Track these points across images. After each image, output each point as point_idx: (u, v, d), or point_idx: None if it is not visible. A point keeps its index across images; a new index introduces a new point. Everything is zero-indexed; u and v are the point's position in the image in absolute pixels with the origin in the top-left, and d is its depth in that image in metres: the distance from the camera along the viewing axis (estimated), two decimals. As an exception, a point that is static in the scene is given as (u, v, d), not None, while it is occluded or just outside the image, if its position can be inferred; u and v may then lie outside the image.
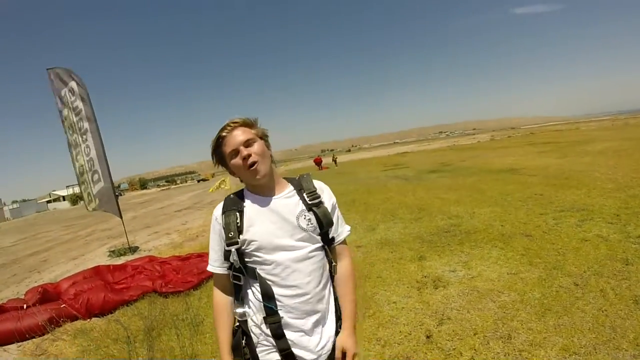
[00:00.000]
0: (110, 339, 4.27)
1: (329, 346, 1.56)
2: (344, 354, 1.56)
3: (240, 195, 1.62)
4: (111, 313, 5.09)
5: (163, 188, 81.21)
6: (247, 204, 1.58)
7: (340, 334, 1.59)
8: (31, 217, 52.98)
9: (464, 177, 13.28)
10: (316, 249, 1.56)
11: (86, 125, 8.95)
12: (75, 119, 9.15)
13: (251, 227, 1.52)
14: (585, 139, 26.47)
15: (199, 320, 4.32)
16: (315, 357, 1.51)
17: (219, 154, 1.58)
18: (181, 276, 5.80)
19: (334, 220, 1.63)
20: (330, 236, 1.62)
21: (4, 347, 4.70)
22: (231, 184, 18.89)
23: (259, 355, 1.54)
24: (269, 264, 1.50)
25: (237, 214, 1.54)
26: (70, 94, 9.23)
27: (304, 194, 1.59)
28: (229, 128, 1.53)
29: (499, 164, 15.84)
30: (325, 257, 1.60)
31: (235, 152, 1.51)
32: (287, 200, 1.58)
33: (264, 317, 1.51)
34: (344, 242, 1.72)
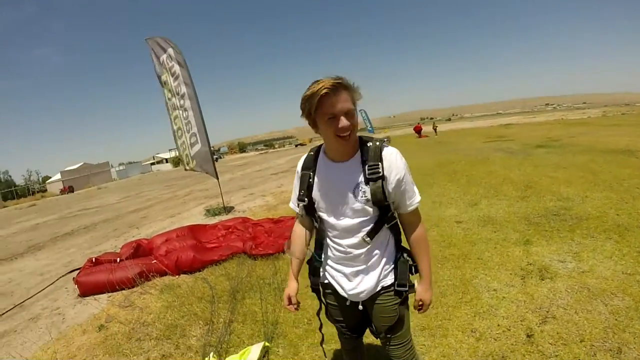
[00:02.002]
0: (195, 297, 4.34)
1: (366, 294, 1.77)
2: (421, 305, 1.83)
3: (317, 154, 1.80)
4: (200, 271, 5.19)
5: (261, 152, 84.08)
6: (320, 166, 1.76)
7: (418, 288, 1.81)
8: (135, 177, 57.40)
9: (573, 155, 12.00)
10: (368, 220, 1.68)
11: (184, 89, 9.25)
12: (173, 84, 9.50)
13: (317, 189, 1.76)
14: None
15: (285, 286, 4.23)
16: (346, 295, 1.82)
17: (314, 107, 1.55)
18: (272, 239, 5.78)
19: (393, 194, 1.66)
20: (397, 207, 1.72)
21: (95, 296, 4.99)
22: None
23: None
24: (327, 223, 1.78)
25: (311, 173, 1.77)
26: (168, 59, 9.58)
27: (366, 166, 1.62)
28: (333, 87, 1.50)
29: (612, 144, 14.14)
30: (382, 227, 1.70)
31: (335, 117, 1.53)
32: (351, 170, 1.66)
33: (308, 260, 1.96)
34: (414, 211, 1.74)
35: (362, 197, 1.63)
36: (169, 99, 9.83)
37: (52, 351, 3.70)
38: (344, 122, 1.52)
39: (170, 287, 4.73)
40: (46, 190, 57.19)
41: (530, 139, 19.70)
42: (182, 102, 9.36)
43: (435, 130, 39.75)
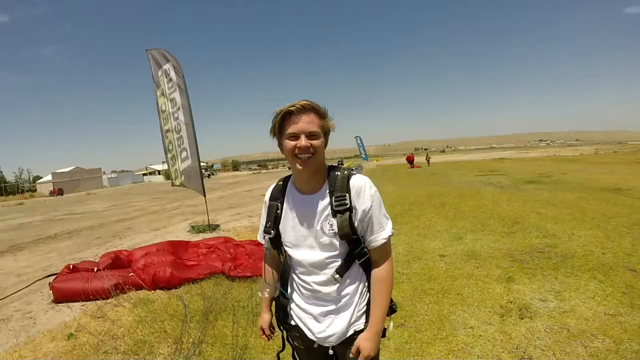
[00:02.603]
0: (168, 314, 4.27)
1: (336, 338, 1.62)
2: (358, 352, 1.58)
3: (285, 184, 1.72)
4: (176, 288, 5.12)
5: (254, 171, 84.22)
6: (287, 197, 1.68)
7: (362, 334, 1.59)
8: (126, 186, 57.23)
9: (564, 191, 12.19)
10: (337, 256, 1.58)
11: (179, 105, 9.28)
12: (168, 99, 9.52)
13: (284, 221, 1.67)
14: None
15: (259, 310, 4.14)
16: (314, 339, 1.66)
17: (280, 126, 1.55)
18: (253, 261, 5.74)
19: (360, 227, 1.57)
20: (366, 241, 1.60)
21: (69, 303, 4.92)
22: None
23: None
24: (293, 258, 1.68)
25: (279, 204, 1.69)
26: (166, 74, 9.62)
27: (333, 197, 1.55)
28: (300, 107, 1.49)
29: (603, 181, 14.36)
30: (352, 263, 1.60)
31: (295, 136, 1.50)
32: (318, 202, 1.59)
33: (275, 297, 1.84)
34: (382, 247, 1.61)
35: (329, 230, 1.55)
36: (162, 111, 9.83)
37: (18, 355, 3.66)
38: (302, 142, 1.47)
39: (144, 302, 4.67)
40: (36, 190, 56.84)
41: (521, 174, 19.96)
42: (175, 116, 9.37)
43: (428, 161, 40.27)
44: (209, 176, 66.63)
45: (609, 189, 12.19)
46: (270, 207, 1.72)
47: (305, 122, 1.48)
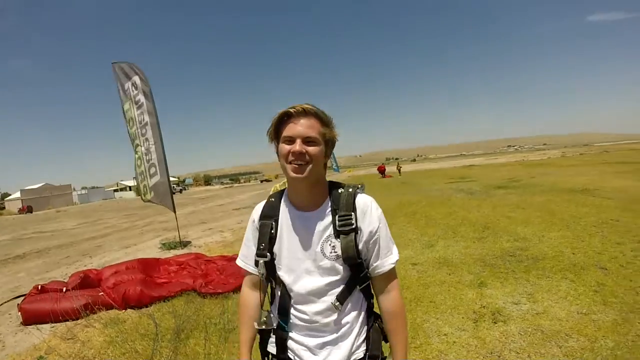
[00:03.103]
0: (139, 334, 4.16)
1: None
2: None
3: (279, 200, 1.52)
4: (147, 306, 5.01)
5: (226, 186, 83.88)
6: (282, 214, 1.48)
7: None
8: (97, 203, 56.20)
9: (533, 195, 12.47)
10: (339, 281, 1.41)
11: (147, 119, 9.15)
12: (136, 113, 9.37)
13: (280, 242, 1.46)
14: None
15: (231, 327, 4.10)
16: None
17: (277, 129, 1.40)
18: (224, 277, 5.68)
19: (365, 250, 1.42)
20: (371, 266, 1.44)
21: (38, 325, 4.76)
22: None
23: None
24: (286, 285, 1.45)
25: (273, 223, 1.48)
26: (133, 87, 9.47)
27: (337, 217, 1.39)
28: (300, 110, 1.34)
29: (571, 183, 14.75)
30: (354, 289, 1.44)
31: (291, 140, 1.34)
32: (319, 220, 1.42)
33: (273, 329, 1.50)
34: (389, 273, 1.46)
35: (331, 253, 1.38)
36: (130, 127, 9.66)
37: (-15, 379, 3.51)
38: (296, 146, 1.32)
39: (115, 322, 4.55)
40: (4, 207, 55.37)
41: (491, 180, 20.37)
42: (143, 131, 9.22)
43: (399, 170, 40.83)
44: (180, 191, 66.06)
45: (577, 190, 12.51)
46: (262, 227, 1.49)
47: (304, 126, 1.34)
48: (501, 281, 4.75)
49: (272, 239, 1.46)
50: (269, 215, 1.49)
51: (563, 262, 5.20)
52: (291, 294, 1.45)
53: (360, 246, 1.39)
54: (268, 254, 1.45)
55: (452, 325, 3.71)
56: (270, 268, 1.47)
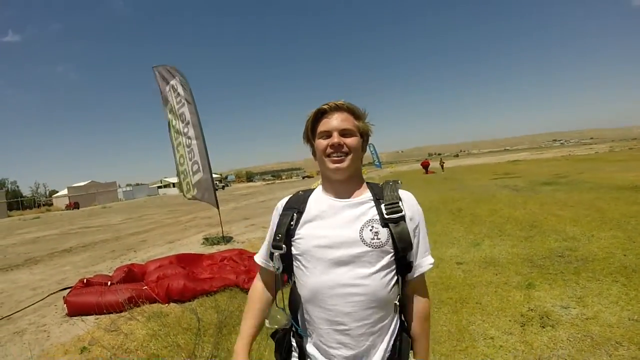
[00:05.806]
0: (181, 328, 4.22)
1: None
2: None
3: (308, 194, 1.44)
4: (190, 301, 5.06)
5: (268, 182, 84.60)
6: (311, 204, 1.38)
7: None
8: (141, 199, 57.79)
9: (580, 192, 11.96)
10: (375, 272, 1.24)
11: (188, 117, 9.36)
12: (178, 112, 9.62)
13: (302, 233, 1.33)
14: None
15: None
16: None
17: (312, 127, 1.39)
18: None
19: (414, 244, 1.32)
20: (408, 263, 1.32)
21: (83, 317, 4.91)
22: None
23: None
24: (308, 282, 1.29)
25: (295, 215, 1.36)
26: (173, 89, 9.74)
27: (382, 205, 1.30)
28: (334, 106, 1.35)
29: (620, 180, 14.04)
30: (391, 286, 1.28)
31: (327, 134, 1.33)
32: (358, 207, 1.32)
33: (291, 334, 1.39)
34: (424, 274, 1.39)
35: (374, 239, 1.24)
36: (173, 126, 9.92)
37: (31, 368, 3.64)
38: (334, 138, 1.30)
39: (157, 315, 4.62)
40: (52, 204, 57.78)
41: (537, 176, 19.64)
42: (185, 130, 9.43)
43: (442, 166, 39.95)
44: (223, 187, 67.14)
45: (627, 187, 11.91)
46: (282, 217, 1.39)
47: (339, 120, 1.32)
48: (549, 283, 4.56)
49: (289, 230, 1.34)
50: (293, 207, 1.40)
51: (614, 264, 4.94)
52: (313, 290, 1.27)
53: (411, 234, 1.29)
54: (284, 245, 1.34)
55: (499, 329, 3.60)
56: (288, 261, 1.36)
